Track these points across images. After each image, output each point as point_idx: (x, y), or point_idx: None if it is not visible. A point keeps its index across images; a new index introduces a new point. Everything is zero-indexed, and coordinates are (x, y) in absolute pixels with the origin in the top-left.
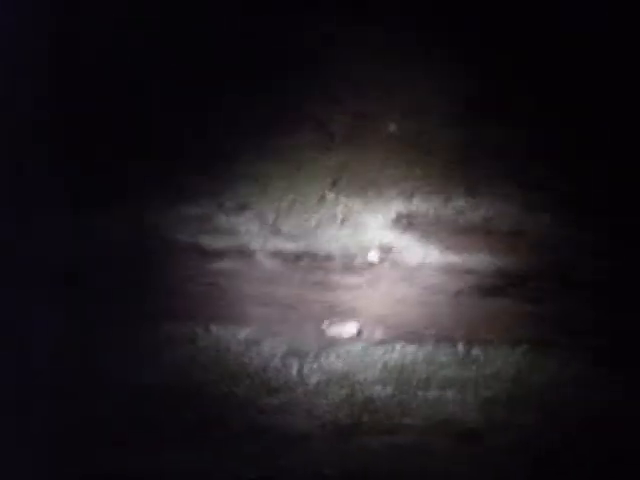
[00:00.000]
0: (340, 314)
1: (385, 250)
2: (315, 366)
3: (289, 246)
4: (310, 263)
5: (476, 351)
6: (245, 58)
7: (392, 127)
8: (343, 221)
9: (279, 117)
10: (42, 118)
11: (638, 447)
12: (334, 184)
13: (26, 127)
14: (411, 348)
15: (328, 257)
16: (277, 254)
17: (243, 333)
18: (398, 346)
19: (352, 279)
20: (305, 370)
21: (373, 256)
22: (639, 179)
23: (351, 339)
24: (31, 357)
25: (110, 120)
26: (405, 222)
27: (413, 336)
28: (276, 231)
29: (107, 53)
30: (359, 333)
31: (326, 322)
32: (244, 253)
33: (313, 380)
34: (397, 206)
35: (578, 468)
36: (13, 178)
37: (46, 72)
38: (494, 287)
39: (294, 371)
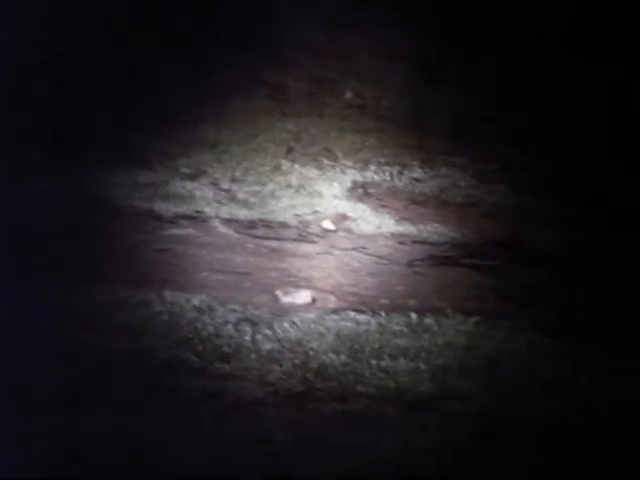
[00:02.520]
0: (294, 282)
1: (340, 219)
2: (268, 333)
3: (244, 213)
4: (265, 231)
5: (429, 320)
6: (199, 21)
7: (348, 94)
8: (298, 189)
9: (235, 83)
10: None
11: (587, 415)
12: (289, 152)
13: None
14: (364, 317)
15: (283, 225)
16: (232, 221)
17: (196, 299)
18: (351, 314)
19: (307, 247)
20: (258, 337)
21: (328, 224)
22: (595, 149)
23: (305, 307)
24: None
25: (62, 83)
26: (360, 191)
27: (366, 305)
28: (231, 198)
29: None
30: (313, 301)
31: (280, 290)
32: (198, 219)
33: (266, 347)
34: (353, 175)
35: (529, 435)
36: None
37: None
38: (448, 257)
39: (247, 338)
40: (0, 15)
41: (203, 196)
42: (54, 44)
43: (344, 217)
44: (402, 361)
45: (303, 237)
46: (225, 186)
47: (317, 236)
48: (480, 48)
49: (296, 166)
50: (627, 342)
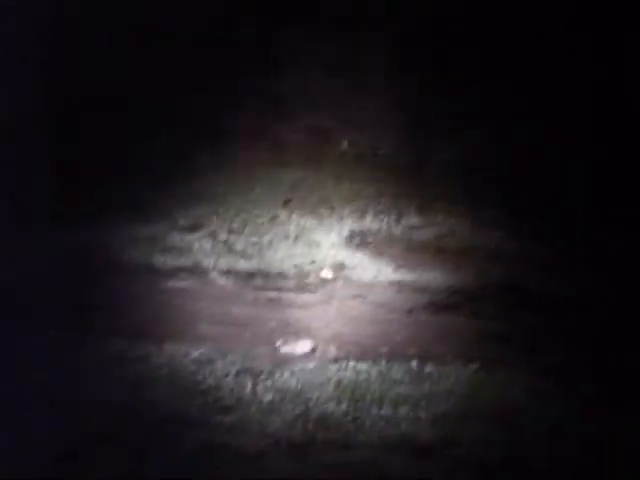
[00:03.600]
0: (293, 332)
1: (338, 268)
2: (269, 384)
3: (242, 264)
4: (263, 281)
5: (429, 368)
6: (199, 74)
7: (344, 144)
8: (296, 239)
9: (233, 134)
10: None
11: (587, 462)
12: (287, 202)
13: None
14: (364, 365)
15: (281, 275)
16: (230, 272)
17: (196, 351)
18: (352, 363)
19: (305, 297)
20: (258, 388)
21: (326, 273)
22: (592, 195)
23: (305, 357)
24: None
25: (61, 135)
26: (358, 240)
27: (366, 353)
28: (229, 249)
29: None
30: (313, 351)
31: (279, 340)
32: (197, 272)
33: (267, 398)
34: (350, 224)
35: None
36: None
37: None
38: (446, 304)
39: (247, 389)
40: None
41: (201, 248)
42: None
43: (342, 266)
44: (403, 409)
45: (302, 287)
46: (223, 238)
47: (316, 285)
48: (474, 95)
49: (294, 216)
50: (629, 387)
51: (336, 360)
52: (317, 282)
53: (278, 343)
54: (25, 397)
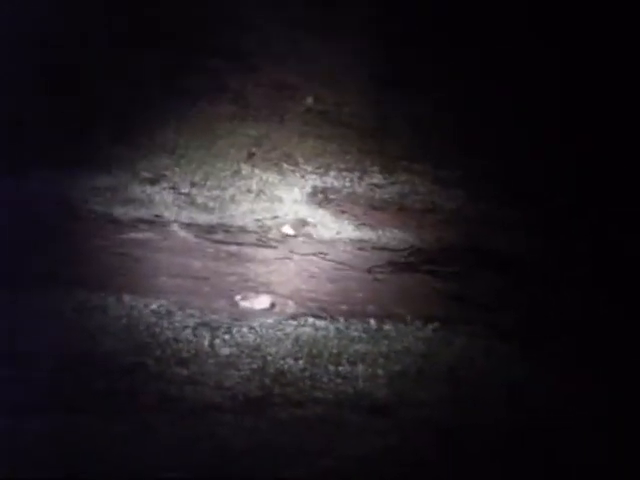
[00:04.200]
0: (253, 287)
1: (300, 224)
2: (227, 338)
3: (203, 218)
4: (224, 235)
5: (387, 326)
6: (164, 23)
7: (309, 100)
8: (258, 194)
9: (197, 86)
10: None
11: (544, 422)
12: (250, 157)
13: None
14: (323, 322)
15: (242, 229)
16: (191, 226)
17: (155, 304)
18: (310, 320)
19: (266, 252)
20: (217, 342)
21: (287, 230)
22: (554, 154)
23: (263, 312)
24: None
25: (22, 84)
26: (320, 197)
27: (325, 311)
28: (191, 202)
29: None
30: (272, 306)
31: (239, 295)
32: (158, 224)
33: (224, 352)
34: (313, 180)
35: (487, 442)
36: None
37: None
38: (407, 263)
39: (205, 343)
40: None
41: (162, 200)
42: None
43: (304, 222)
44: (360, 367)
45: (262, 242)
46: (185, 190)
47: (276, 241)
48: (442, 53)
49: (256, 171)
50: (585, 349)
51: (295, 316)
52: (278, 238)
53: (237, 298)
54: None
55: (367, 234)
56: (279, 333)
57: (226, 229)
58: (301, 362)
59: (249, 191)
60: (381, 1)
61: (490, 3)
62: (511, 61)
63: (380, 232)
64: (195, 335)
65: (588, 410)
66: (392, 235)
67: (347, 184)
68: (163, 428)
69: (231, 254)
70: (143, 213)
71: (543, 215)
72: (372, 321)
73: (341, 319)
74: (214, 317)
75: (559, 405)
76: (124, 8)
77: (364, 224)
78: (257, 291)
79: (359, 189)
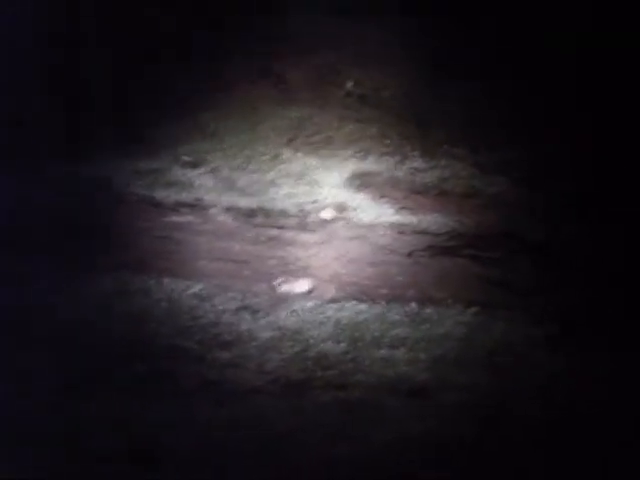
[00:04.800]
0: (293, 271)
1: (339, 208)
2: (267, 321)
3: (244, 202)
4: (264, 219)
5: (428, 310)
6: (210, 8)
7: (350, 84)
8: (299, 178)
9: (240, 70)
10: None
11: (583, 408)
12: (290, 141)
13: None
14: (364, 306)
15: (282, 214)
16: (231, 209)
17: (196, 287)
18: (351, 304)
19: (306, 236)
20: (257, 325)
21: (327, 214)
22: (593, 143)
23: (303, 296)
24: None
25: (66, 69)
26: (360, 181)
27: (366, 294)
28: (231, 186)
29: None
30: (311, 290)
31: (279, 278)
32: (199, 207)
33: (265, 335)
34: (353, 165)
35: (524, 426)
36: None
37: None
38: (447, 247)
39: (246, 326)
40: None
41: (203, 184)
42: (55, 28)
43: (344, 206)
44: (401, 350)
45: (302, 226)
46: (225, 174)
47: (316, 225)
48: (486, 37)
49: (297, 155)
50: (626, 335)
51: (335, 300)
52: (318, 222)
53: (277, 281)
54: (26, 332)
55: (407, 218)
56: (320, 316)
57: (266, 213)
58: (342, 345)
59: (289, 175)
60: None
61: None
62: (559, 47)
63: (420, 216)
64: (236, 318)
65: (627, 396)
66: (432, 219)
67: (387, 168)
68: (204, 411)
69: (271, 238)
70: (184, 197)
71: (584, 201)
72: (413, 305)
73: (382, 303)
74: (255, 300)
75: (597, 391)
76: None
77: (404, 208)
78: (297, 275)
79: (399, 173)
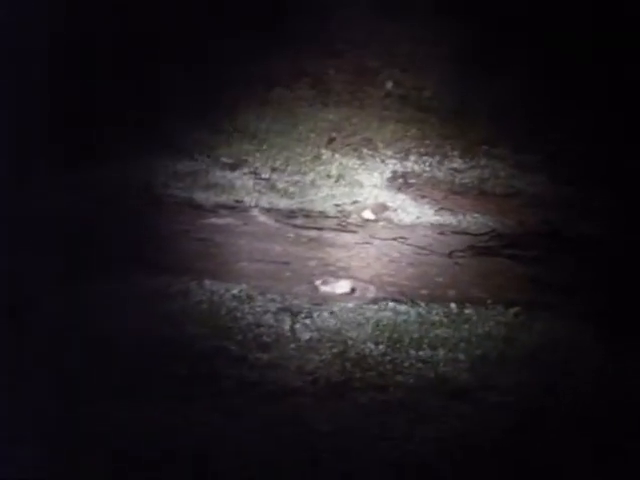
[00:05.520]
0: (333, 272)
1: (380, 209)
2: (308, 323)
3: (284, 203)
4: (304, 220)
5: (468, 311)
6: (246, 9)
7: (389, 84)
8: (338, 178)
9: (278, 71)
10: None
11: (627, 409)
12: (330, 141)
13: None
14: (403, 307)
15: (322, 214)
16: (271, 211)
17: (236, 288)
18: (391, 304)
19: (346, 237)
20: (297, 326)
21: (367, 214)
22: (628, 142)
23: (344, 297)
24: (24, 307)
25: (106, 72)
26: (400, 181)
27: (406, 295)
28: (271, 187)
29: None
30: (352, 291)
31: (319, 279)
32: (238, 209)
33: (305, 336)
34: (393, 165)
35: (570, 427)
36: None
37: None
38: (488, 247)
39: (286, 327)
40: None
41: (243, 185)
42: (86, 32)
43: (384, 207)
44: (441, 351)
45: (343, 227)
46: (265, 175)
47: (357, 226)
48: (524, 36)
49: (336, 156)
50: None
51: (375, 301)
52: (358, 222)
53: (318, 282)
54: (64, 333)
55: (447, 218)
56: (360, 317)
57: (306, 214)
58: (382, 346)
59: (329, 176)
60: None
61: None
62: (601, 49)
63: (460, 216)
64: (276, 320)
65: None
66: (472, 219)
67: (427, 168)
68: (244, 412)
69: (311, 239)
70: (224, 198)
71: (624, 199)
72: (453, 305)
73: (422, 303)
74: (295, 302)
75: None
76: None
77: (444, 208)
78: (337, 276)
79: (439, 173)
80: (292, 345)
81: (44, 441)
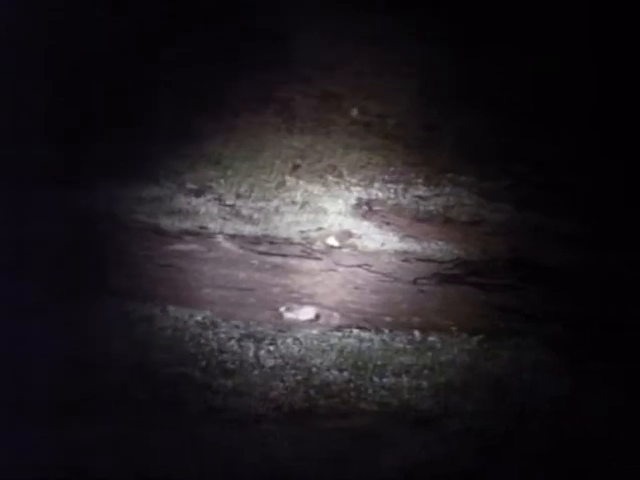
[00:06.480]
0: (297, 298)
1: (344, 236)
2: (272, 349)
3: (248, 229)
4: (269, 247)
5: (432, 338)
6: (212, 37)
7: (354, 112)
8: (303, 205)
9: (243, 98)
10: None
11: (592, 434)
12: (295, 168)
13: None
14: (368, 334)
15: (287, 241)
16: (236, 237)
17: (200, 315)
18: (355, 331)
19: (311, 264)
20: (261, 353)
21: (332, 241)
22: (603, 166)
23: (308, 323)
24: None
25: (68, 95)
26: (365, 208)
27: (370, 322)
28: (236, 214)
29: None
30: (316, 317)
31: (283, 306)
32: (203, 235)
33: (269, 363)
34: (357, 192)
35: (532, 454)
36: None
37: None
38: (452, 275)
39: (250, 354)
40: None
41: (207, 212)
42: (59, 57)
43: (348, 234)
44: (405, 379)
45: (307, 254)
46: (230, 202)
47: (321, 253)
48: (488, 65)
49: (301, 182)
50: (632, 359)
51: (339, 328)
52: (323, 249)
53: (282, 309)
54: (28, 356)
55: (412, 246)
56: (324, 344)
57: (271, 240)
58: (346, 373)
59: (294, 202)
60: (429, 10)
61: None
62: (567, 78)
63: (425, 244)
64: (240, 346)
65: (636, 423)
66: (437, 247)
67: (392, 196)
68: (208, 438)
69: (276, 265)
70: (188, 224)
71: (590, 227)
72: (417, 333)
73: (386, 330)
74: (259, 328)
75: (606, 418)
76: (177, 22)
77: (409, 236)
78: (302, 302)
79: (404, 201)
80: (256, 372)
81: None
